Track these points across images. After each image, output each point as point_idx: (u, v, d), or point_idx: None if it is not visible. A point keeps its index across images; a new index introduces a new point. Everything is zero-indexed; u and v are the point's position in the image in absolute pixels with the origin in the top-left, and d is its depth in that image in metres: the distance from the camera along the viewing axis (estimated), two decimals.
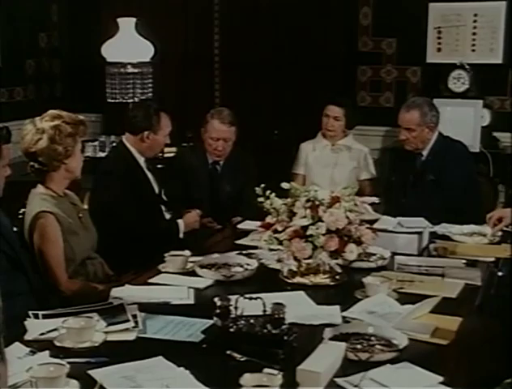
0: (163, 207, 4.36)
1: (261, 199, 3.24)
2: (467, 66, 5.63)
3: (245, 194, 4.65)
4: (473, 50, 5.80)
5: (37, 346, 2.49)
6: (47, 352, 2.44)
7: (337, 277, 3.24)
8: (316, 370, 2.24)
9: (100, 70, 5.92)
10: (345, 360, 2.38)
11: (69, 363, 2.29)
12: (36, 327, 2.62)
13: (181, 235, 4.19)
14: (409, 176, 4.88)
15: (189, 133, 5.67)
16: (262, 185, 3.24)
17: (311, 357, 2.33)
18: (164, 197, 4.41)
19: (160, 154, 5.17)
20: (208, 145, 4.84)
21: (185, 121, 6.00)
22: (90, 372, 2.32)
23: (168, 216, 4.37)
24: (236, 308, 2.57)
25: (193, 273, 3.35)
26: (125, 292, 3.05)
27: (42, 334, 2.57)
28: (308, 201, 3.22)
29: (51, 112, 3.47)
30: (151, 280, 3.28)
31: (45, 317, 2.69)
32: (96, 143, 6.03)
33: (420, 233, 3.77)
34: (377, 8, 6.11)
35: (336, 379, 2.26)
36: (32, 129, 3.42)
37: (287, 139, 5.95)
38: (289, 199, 3.27)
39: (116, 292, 3.05)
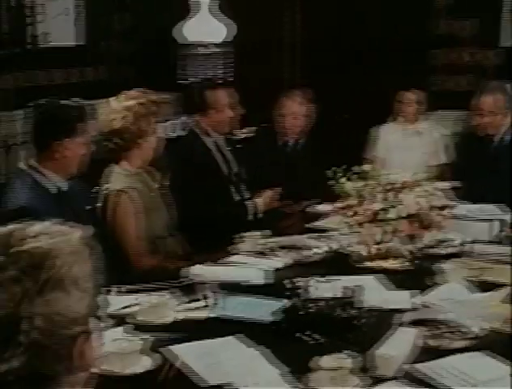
0: (233, 189, 4.37)
1: (333, 182, 3.24)
2: None
3: (319, 175, 4.63)
4: None
5: (111, 322, 2.52)
6: (121, 328, 2.49)
7: (409, 263, 3.22)
8: (387, 356, 2.25)
9: (173, 51, 5.96)
10: (416, 346, 2.37)
11: (142, 339, 2.34)
12: (110, 303, 2.67)
13: (255, 216, 4.19)
14: (482, 161, 4.80)
15: (267, 114, 5.67)
16: (335, 168, 3.23)
17: (382, 342, 2.34)
18: (244, 177, 4.41)
19: (238, 134, 5.19)
20: (279, 122, 4.85)
21: (263, 102, 6.00)
22: (162, 349, 2.36)
23: (244, 196, 4.36)
24: (307, 290, 2.58)
25: (266, 254, 3.37)
26: (200, 271, 3.08)
27: (117, 310, 2.62)
28: (383, 185, 3.20)
29: (129, 91, 3.51)
30: (224, 260, 3.31)
31: (120, 293, 2.74)
32: (169, 123, 6.07)
33: (491, 220, 3.72)
34: None
35: (407, 366, 2.25)
36: (110, 108, 3.46)
37: (360, 123, 5.91)
38: (362, 183, 3.26)
39: (190, 270, 3.08)
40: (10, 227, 1.32)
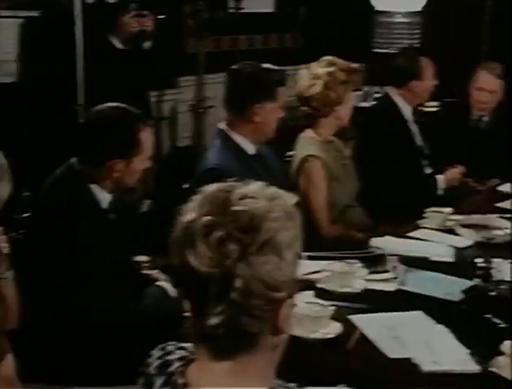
0: (424, 162, 4.31)
1: None
2: None
3: (506, 154, 4.48)
4: None
5: (301, 285, 2.58)
6: (311, 293, 2.54)
7: None
8: None
9: (366, 18, 5.90)
10: None
11: (330, 305, 2.37)
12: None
13: (441, 191, 4.13)
14: None
15: (454, 88, 5.53)
16: None
17: None
18: (428, 151, 4.35)
19: (423, 108, 5.10)
20: (473, 96, 4.72)
21: (449, 76, 5.85)
22: (350, 317, 2.39)
23: (428, 171, 4.31)
24: (500, 271, 2.53)
25: (452, 231, 3.32)
26: (385, 243, 3.08)
27: (306, 274, 2.66)
28: None
29: (326, 58, 3.51)
30: (410, 234, 3.28)
31: (310, 258, 2.77)
32: (360, 92, 6.03)
33: None
34: None
35: None
36: (308, 74, 3.48)
37: None
38: None
39: (376, 241, 3.08)
40: (227, 184, 1.33)
